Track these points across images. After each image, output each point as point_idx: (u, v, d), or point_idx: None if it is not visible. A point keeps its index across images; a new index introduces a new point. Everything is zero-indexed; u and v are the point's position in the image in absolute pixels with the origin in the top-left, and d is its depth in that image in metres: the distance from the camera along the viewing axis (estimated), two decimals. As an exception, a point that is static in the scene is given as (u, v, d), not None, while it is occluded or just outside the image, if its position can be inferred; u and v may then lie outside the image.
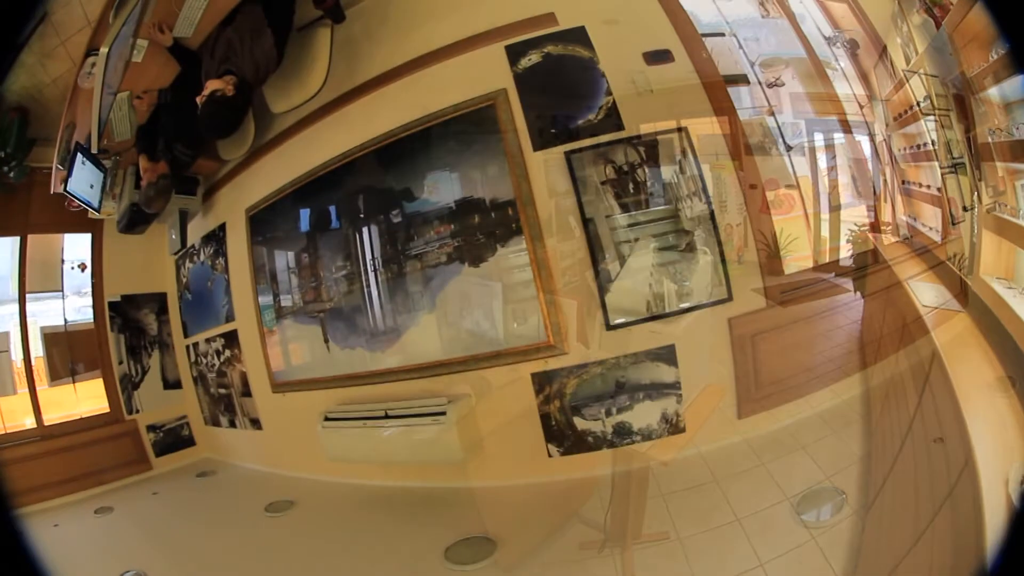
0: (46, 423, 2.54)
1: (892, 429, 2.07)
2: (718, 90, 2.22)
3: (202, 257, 2.75)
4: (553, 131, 2.03)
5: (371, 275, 2.18)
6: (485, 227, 2.01)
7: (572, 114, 2.04)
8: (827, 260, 2.34)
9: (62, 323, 2.72)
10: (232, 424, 2.66)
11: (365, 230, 2.21)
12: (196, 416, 2.79)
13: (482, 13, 2.15)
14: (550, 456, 2.00)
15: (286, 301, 2.42)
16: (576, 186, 1.96)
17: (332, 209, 2.32)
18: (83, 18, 2.26)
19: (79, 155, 2.39)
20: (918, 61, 2.26)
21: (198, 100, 2.18)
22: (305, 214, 2.38)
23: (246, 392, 2.59)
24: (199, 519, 2.47)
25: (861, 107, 2.57)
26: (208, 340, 2.70)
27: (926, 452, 1.96)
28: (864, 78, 2.61)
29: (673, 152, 2.01)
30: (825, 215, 2.45)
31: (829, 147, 2.54)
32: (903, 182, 2.48)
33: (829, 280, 2.27)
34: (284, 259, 2.44)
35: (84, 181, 2.45)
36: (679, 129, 2.06)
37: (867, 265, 2.40)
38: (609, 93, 2.06)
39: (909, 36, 2.29)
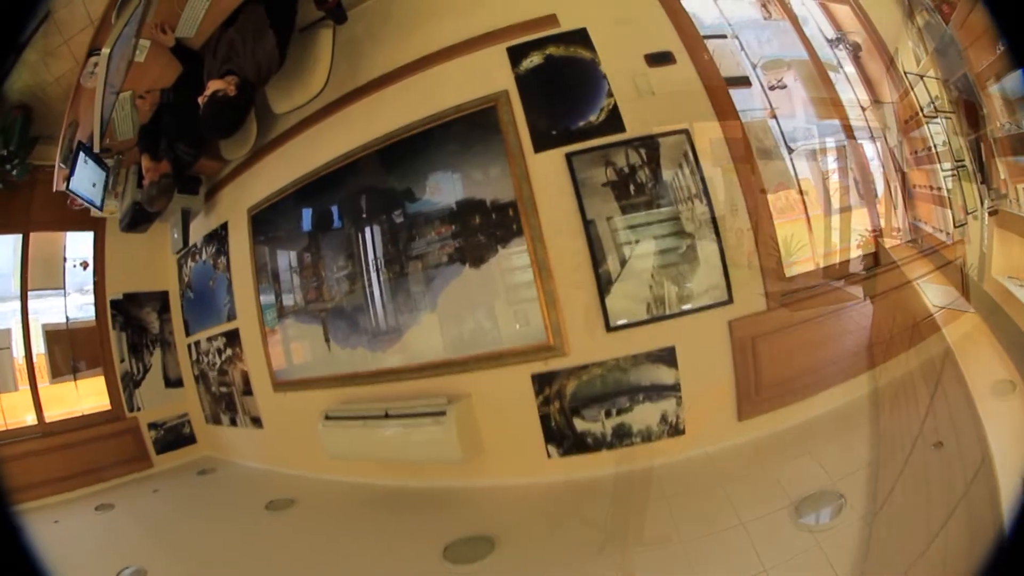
0: (47, 420, 2.56)
1: (897, 432, 2.07)
2: (720, 92, 2.22)
3: (204, 256, 2.75)
4: (554, 132, 2.03)
5: (372, 275, 2.19)
6: (486, 228, 2.02)
7: (573, 116, 2.04)
8: (829, 263, 2.33)
9: (64, 321, 2.73)
10: (233, 422, 2.66)
11: (367, 230, 2.22)
12: (197, 414, 2.80)
13: (483, 15, 2.16)
14: (549, 457, 2.00)
15: (288, 300, 2.43)
16: (577, 187, 1.96)
17: (334, 209, 2.32)
18: (86, 17, 2.27)
19: (81, 153, 2.40)
20: (924, 64, 2.27)
21: (200, 100, 2.18)
22: (307, 214, 2.39)
23: (247, 391, 2.60)
24: (199, 516, 2.48)
25: (864, 109, 2.57)
26: (210, 339, 2.71)
27: (928, 456, 1.96)
28: (867, 81, 2.60)
29: (674, 154, 2.02)
30: (827, 217, 2.45)
31: (831, 150, 2.54)
32: (906, 184, 2.48)
33: (831, 283, 2.27)
34: (286, 258, 2.45)
35: (86, 179, 2.46)
36: (681, 131, 2.06)
37: (869, 267, 2.40)
38: (610, 95, 2.06)
39: (919, 37, 2.29)
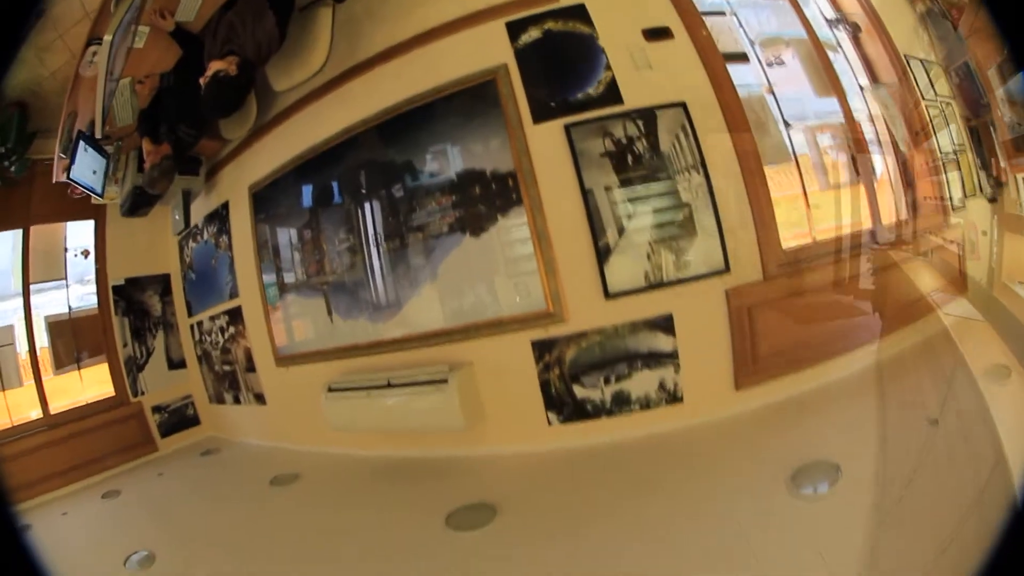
0: (52, 412, 2.56)
1: (893, 407, 2.08)
2: (717, 67, 2.23)
3: (205, 236, 2.77)
4: (553, 104, 2.04)
5: (373, 247, 2.20)
6: (486, 198, 2.03)
7: (572, 88, 2.06)
8: (825, 238, 2.35)
9: (66, 311, 2.74)
10: (236, 400, 2.68)
11: (367, 203, 2.24)
12: (200, 395, 2.82)
13: (481, -9, 2.16)
14: (550, 424, 2.02)
15: (290, 275, 2.45)
16: (576, 158, 1.97)
17: (335, 184, 2.34)
18: (81, 10, 2.28)
19: (81, 142, 2.41)
20: (923, 48, 2.28)
21: (202, 81, 2.20)
22: (308, 189, 2.41)
23: (250, 367, 2.62)
24: (205, 497, 2.50)
25: (862, 89, 2.57)
26: (212, 318, 2.73)
27: (924, 431, 1.97)
28: (866, 61, 2.61)
29: (672, 126, 2.03)
30: (824, 193, 2.46)
31: (829, 127, 2.54)
32: (905, 166, 2.48)
33: (827, 257, 2.29)
34: (287, 234, 2.46)
35: (87, 167, 2.48)
36: (678, 104, 2.07)
37: (866, 244, 2.41)
38: (608, 68, 2.07)
39: (922, 24, 2.31)
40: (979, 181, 2.11)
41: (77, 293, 2.77)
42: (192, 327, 2.83)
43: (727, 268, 1.97)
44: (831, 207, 2.44)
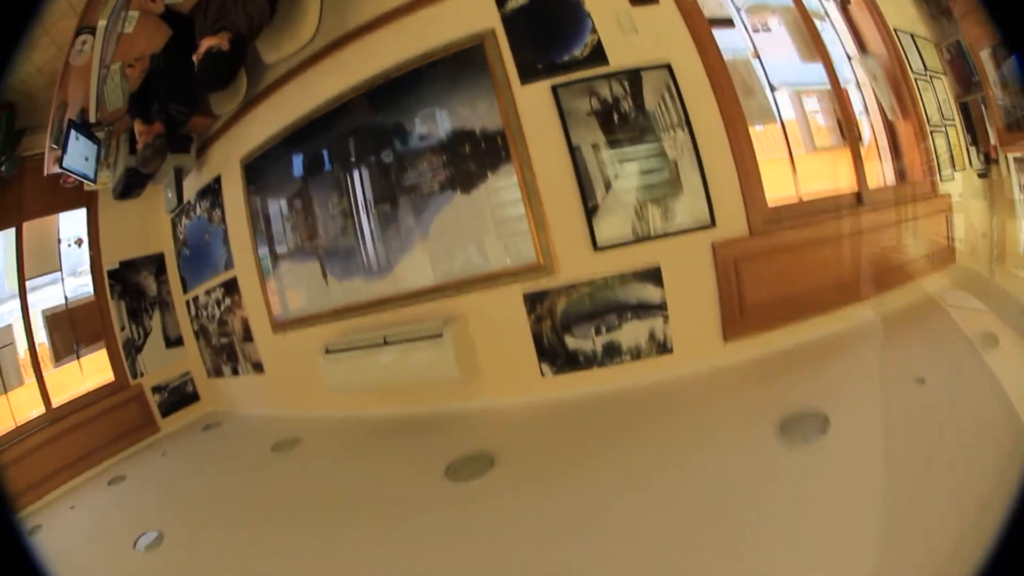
0: (54, 406, 2.57)
1: (880, 363, 2.11)
2: (703, 31, 2.26)
3: (198, 211, 2.78)
4: (540, 66, 2.07)
5: (366, 209, 2.23)
6: (476, 156, 2.07)
7: (558, 50, 2.08)
8: (810, 197, 2.38)
9: (63, 302, 2.74)
10: (235, 372, 2.71)
11: (358, 167, 2.26)
12: (199, 370, 2.84)
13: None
14: (543, 375, 2.07)
15: (284, 242, 2.47)
16: (563, 117, 2.01)
17: (326, 150, 2.36)
18: (66, 3, 2.28)
19: (72, 131, 2.43)
20: (913, 22, 2.30)
21: (194, 58, 2.22)
22: (299, 157, 2.43)
23: (248, 337, 2.64)
24: (208, 471, 2.53)
25: (849, 58, 2.60)
26: (208, 292, 2.75)
27: (910, 389, 2.01)
28: (855, 32, 2.62)
29: (657, 86, 2.06)
30: (810, 155, 2.49)
31: (814, 92, 2.57)
32: (893, 133, 2.50)
33: (812, 215, 2.32)
34: (281, 202, 2.49)
35: (79, 155, 2.49)
36: (663, 66, 2.10)
37: (851, 206, 2.44)
38: (594, 31, 2.10)
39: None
40: (968, 155, 2.14)
41: (72, 284, 2.77)
42: (188, 303, 2.85)
43: (713, 223, 2.01)
44: (817, 169, 2.48)
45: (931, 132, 2.23)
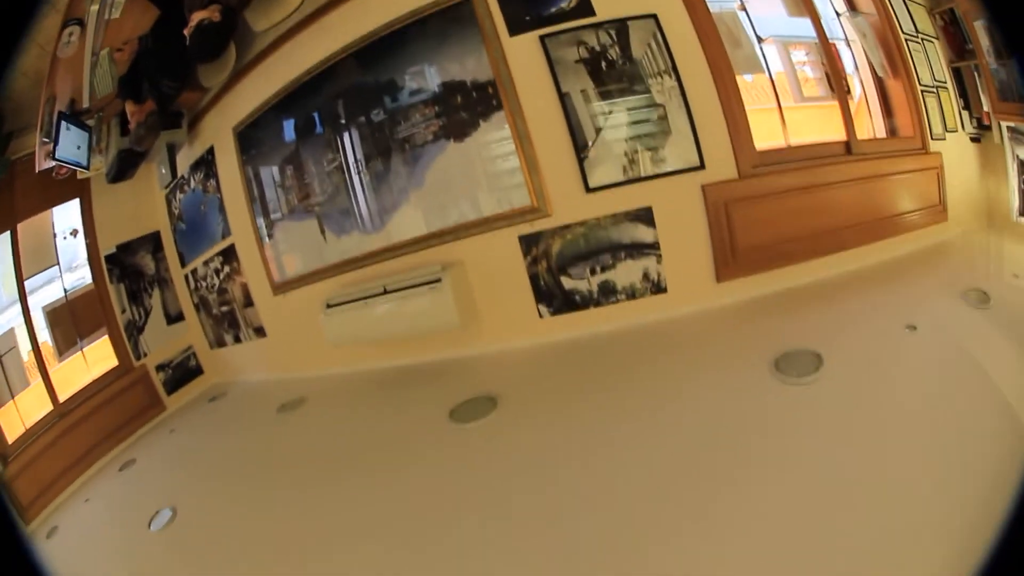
0: (61, 401, 2.53)
1: (871, 308, 2.14)
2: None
3: (193, 184, 2.79)
4: (528, 18, 2.09)
5: (361, 163, 2.26)
6: (468, 106, 2.10)
7: (546, 3, 2.10)
8: (798, 144, 2.41)
9: (62, 295, 2.73)
10: (237, 339, 2.73)
11: (352, 124, 2.28)
12: (201, 343, 2.86)
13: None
14: (541, 317, 2.11)
15: (281, 204, 2.49)
16: (552, 65, 2.03)
17: (317, 110, 2.38)
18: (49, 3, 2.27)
19: (63, 123, 2.44)
20: None
21: (186, 32, 2.24)
22: (292, 119, 2.45)
23: (248, 303, 2.66)
24: (216, 440, 2.55)
25: (839, 15, 2.60)
26: (206, 262, 2.76)
27: (901, 335, 2.05)
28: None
29: (644, 35, 2.08)
30: (798, 106, 2.51)
31: (803, 44, 2.57)
32: (884, 91, 2.50)
33: (800, 162, 2.35)
34: (276, 164, 2.50)
35: (71, 144, 2.50)
36: (649, 15, 2.12)
37: (840, 155, 2.46)
38: (581, -17, 2.11)
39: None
40: (961, 118, 2.18)
41: (71, 278, 2.76)
42: (187, 277, 2.86)
43: (702, 165, 2.04)
44: (805, 119, 2.50)
45: (922, 92, 2.26)
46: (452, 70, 2.13)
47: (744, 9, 2.48)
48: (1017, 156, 1.92)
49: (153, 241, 2.94)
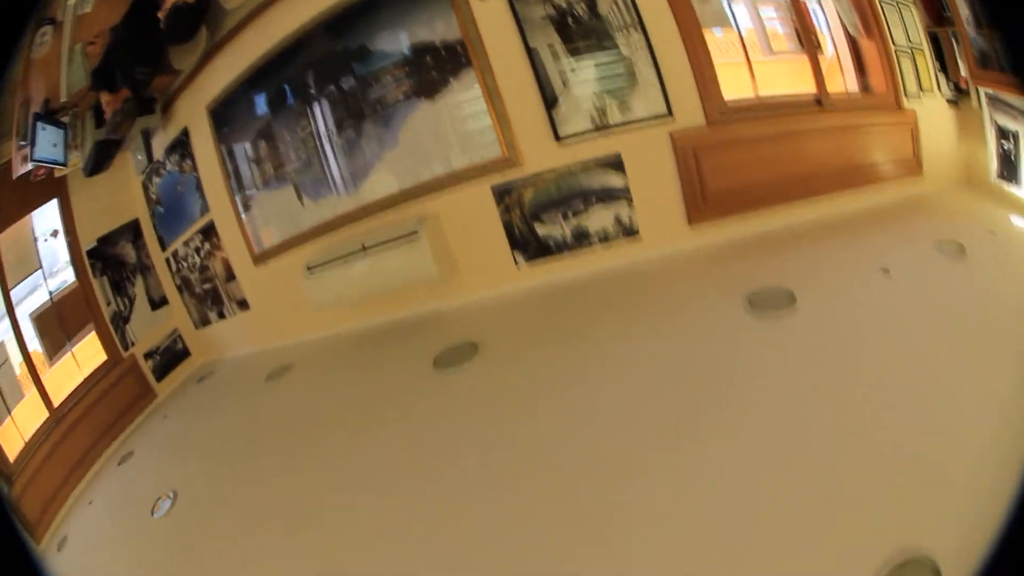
0: (56, 406, 2.46)
1: (846, 251, 2.18)
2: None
3: (169, 167, 2.79)
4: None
5: (334, 128, 2.28)
6: (437, 66, 2.14)
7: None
8: (767, 94, 2.45)
9: (48, 298, 2.71)
10: (221, 315, 2.74)
11: (323, 92, 2.31)
12: (186, 325, 2.86)
13: None
14: (517, 264, 2.17)
15: (257, 175, 2.50)
16: (519, 23, 2.07)
17: (289, 82, 2.40)
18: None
19: (38, 123, 2.43)
20: None
21: (160, 15, 2.24)
22: (264, 93, 2.47)
23: (230, 276, 2.68)
24: (209, 419, 2.57)
25: None
26: (186, 243, 2.77)
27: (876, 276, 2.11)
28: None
29: (609, -7, 2.12)
30: (767, 61, 2.54)
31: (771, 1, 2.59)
32: (857, 49, 2.52)
33: (769, 110, 2.40)
34: (251, 138, 2.51)
35: (48, 144, 2.49)
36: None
37: (810, 106, 2.49)
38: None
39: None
40: (937, 80, 2.21)
41: (54, 281, 2.74)
42: (168, 259, 2.86)
43: (670, 113, 2.10)
44: (774, 73, 2.54)
45: (896, 52, 2.29)
46: (421, 32, 2.16)
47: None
48: (995, 121, 1.95)
49: (133, 229, 2.93)
